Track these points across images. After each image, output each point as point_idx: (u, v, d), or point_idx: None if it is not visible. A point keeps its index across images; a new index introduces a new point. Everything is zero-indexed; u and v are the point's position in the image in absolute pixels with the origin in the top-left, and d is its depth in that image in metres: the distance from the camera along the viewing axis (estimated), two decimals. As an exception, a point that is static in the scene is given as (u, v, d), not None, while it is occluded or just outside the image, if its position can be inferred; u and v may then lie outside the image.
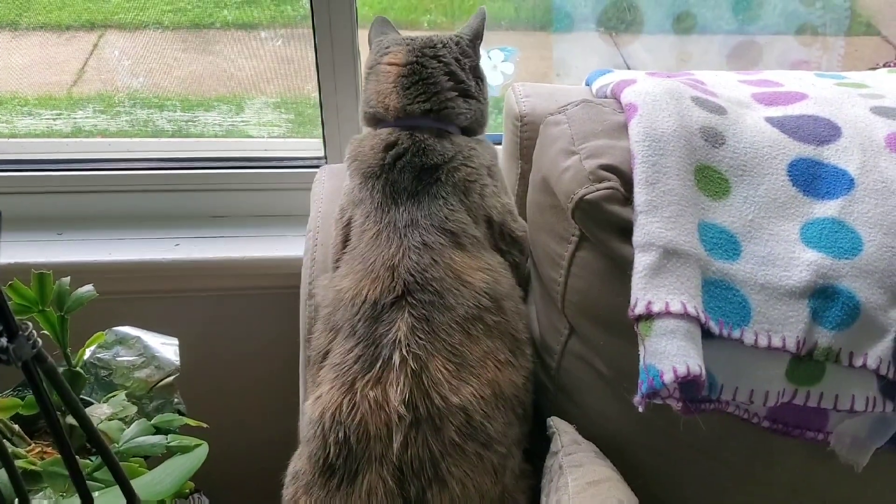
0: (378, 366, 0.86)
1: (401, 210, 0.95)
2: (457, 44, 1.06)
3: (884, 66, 1.30)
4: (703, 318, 0.75)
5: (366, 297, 0.90)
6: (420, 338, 0.87)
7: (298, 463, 0.92)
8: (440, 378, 0.85)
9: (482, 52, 1.10)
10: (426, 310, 0.88)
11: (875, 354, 0.78)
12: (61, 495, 0.90)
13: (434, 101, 1.01)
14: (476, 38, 1.07)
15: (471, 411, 0.85)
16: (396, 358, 0.86)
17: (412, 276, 0.90)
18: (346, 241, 1.00)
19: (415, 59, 1.03)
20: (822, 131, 0.88)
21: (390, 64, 1.04)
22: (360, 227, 0.98)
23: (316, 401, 0.89)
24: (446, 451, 0.84)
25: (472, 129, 1.07)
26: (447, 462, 0.84)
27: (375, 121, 1.06)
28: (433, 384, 0.85)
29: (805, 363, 0.78)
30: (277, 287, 1.35)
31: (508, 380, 0.89)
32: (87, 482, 0.80)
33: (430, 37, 1.06)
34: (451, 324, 0.88)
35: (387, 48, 1.06)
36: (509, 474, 0.89)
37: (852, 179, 0.84)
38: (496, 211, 1.00)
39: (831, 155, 0.86)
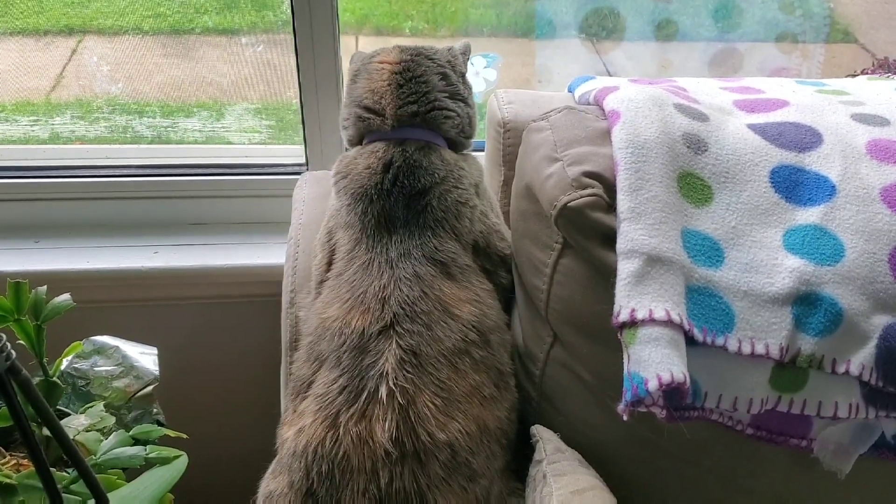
0: (363, 398, 0.84)
1: (394, 239, 0.94)
2: (448, 50, 1.08)
3: (862, 73, 1.31)
4: (686, 325, 0.75)
5: (353, 326, 0.89)
6: (408, 371, 0.85)
7: (272, 483, 0.91)
8: (427, 414, 0.83)
9: (465, 60, 1.11)
10: (414, 340, 0.87)
11: (858, 361, 0.78)
12: (37, 509, 0.88)
13: (424, 101, 1.01)
14: (464, 52, 1.09)
15: (457, 448, 0.84)
16: (383, 391, 0.84)
17: (402, 308, 0.88)
18: (331, 263, 0.98)
19: (408, 57, 1.04)
20: (804, 138, 0.88)
21: (383, 62, 1.04)
22: (347, 252, 0.96)
23: (299, 433, 0.87)
24: (432, 483, 0.83)
25: (460, 141, 1.06)
26: (433, 493, 0.83)
27: (365, 128, 1.04)
28: (420, 420, 0.83)
29: (788, 370, 0.78)
30: (258, 295, 1.34)
31: (493, 415, 0.89)
32: (64, 495, 0.79)
33: (420, 45, 1.07)
34: (439, 357, 0.86)
35: (375, 52, 1.07)
36: (494, 500, 0.88)
37: (834, 186, 0.84)
38: (482, 236, 1.00)
39: (813, 161, 0.86)
